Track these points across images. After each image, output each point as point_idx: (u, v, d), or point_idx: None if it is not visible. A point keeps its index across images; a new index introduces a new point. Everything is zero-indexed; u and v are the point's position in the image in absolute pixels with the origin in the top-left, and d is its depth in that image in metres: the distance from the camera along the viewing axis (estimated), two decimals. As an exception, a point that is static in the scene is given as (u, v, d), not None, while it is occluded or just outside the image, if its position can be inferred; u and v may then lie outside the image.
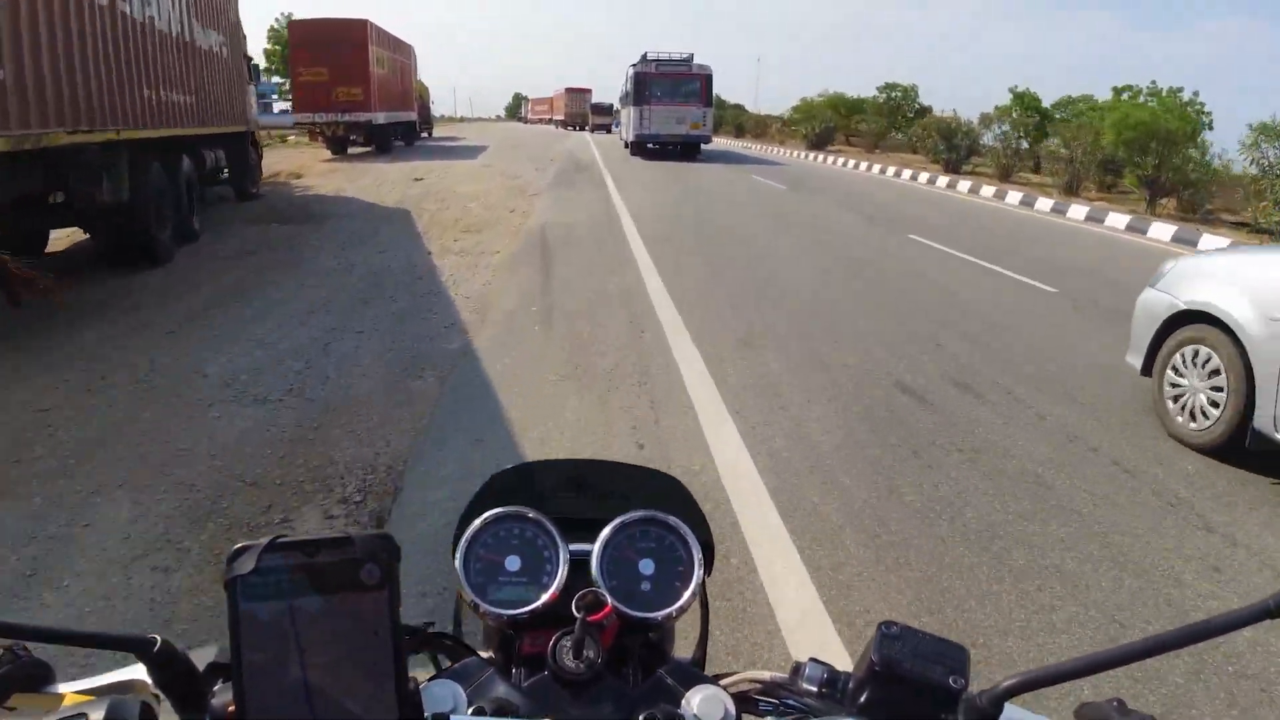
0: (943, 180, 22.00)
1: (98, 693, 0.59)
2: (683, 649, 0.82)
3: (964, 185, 20.59)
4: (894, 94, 42.44)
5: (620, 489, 0.87)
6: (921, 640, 0.61)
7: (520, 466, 0.89)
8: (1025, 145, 26.12)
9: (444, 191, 14.80)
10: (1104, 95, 30.81)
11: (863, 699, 0.61)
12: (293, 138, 29.58)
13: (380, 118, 23.91)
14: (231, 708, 0.49)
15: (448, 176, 17.61)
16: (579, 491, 0.87)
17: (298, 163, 20.36)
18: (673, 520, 0.79)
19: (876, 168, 25.85)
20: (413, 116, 30.61)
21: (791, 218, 13.11)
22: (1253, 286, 3.98)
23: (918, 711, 0.59)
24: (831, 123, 37.63)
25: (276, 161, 19.95)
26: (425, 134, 37.78)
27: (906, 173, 23.81)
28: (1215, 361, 4.09)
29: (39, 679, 0.59)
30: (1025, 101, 29.33)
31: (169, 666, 0.55)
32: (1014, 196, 18.16)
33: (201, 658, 0.58)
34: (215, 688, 0.57)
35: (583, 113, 66.97)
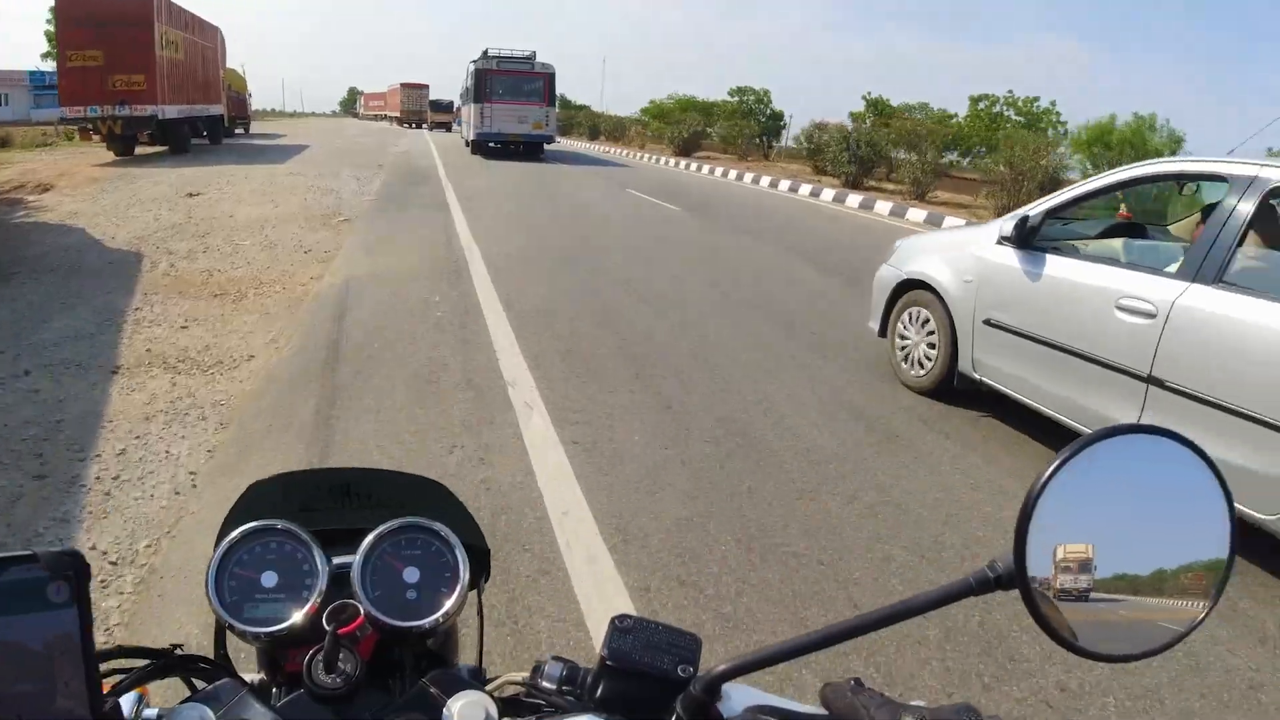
0: (853, 199, 17.81)
1: None
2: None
3: (883, 206, 16.79)
4: (746, 97, 41.48)
5: (386, 497, 0.85)
6: (654, 631, 0.64)
7: (280, 476, 0.86)
8: (938, 160, 22.09)
9: (214, 219, 10.40)
10: (937, 104, 31.16)
11: (600, 693, 0.63)
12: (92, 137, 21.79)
13: (170, 111, 19.91)
14: None
15: (233, 191, 13.40)
16: (345, 501, 0.85)
17: (60, 169, 16.18)
18: (437, 526, 0.78)
19: (765, 180, 22.25)
20: (219, 110, 26.00)
21: (720, 264, 9.04)
22: (950, 256, 4.74)
23: (651, 700, 0.61)
24: (700, 126, 35.32)
25: (38, 168, 16.37)
26: (241, 130, 34.08)
27: (806, 187, 20.18)
28: (930, 320, 4.79)
29: None
30: (879, 108, 29.47)
31: None
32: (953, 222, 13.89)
33: None
34: None
35: (420, 110, 64.24)
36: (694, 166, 28.03)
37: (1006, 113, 26.75)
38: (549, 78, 25.97)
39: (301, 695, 0.65)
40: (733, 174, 24.77)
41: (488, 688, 0.68)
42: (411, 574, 0.75)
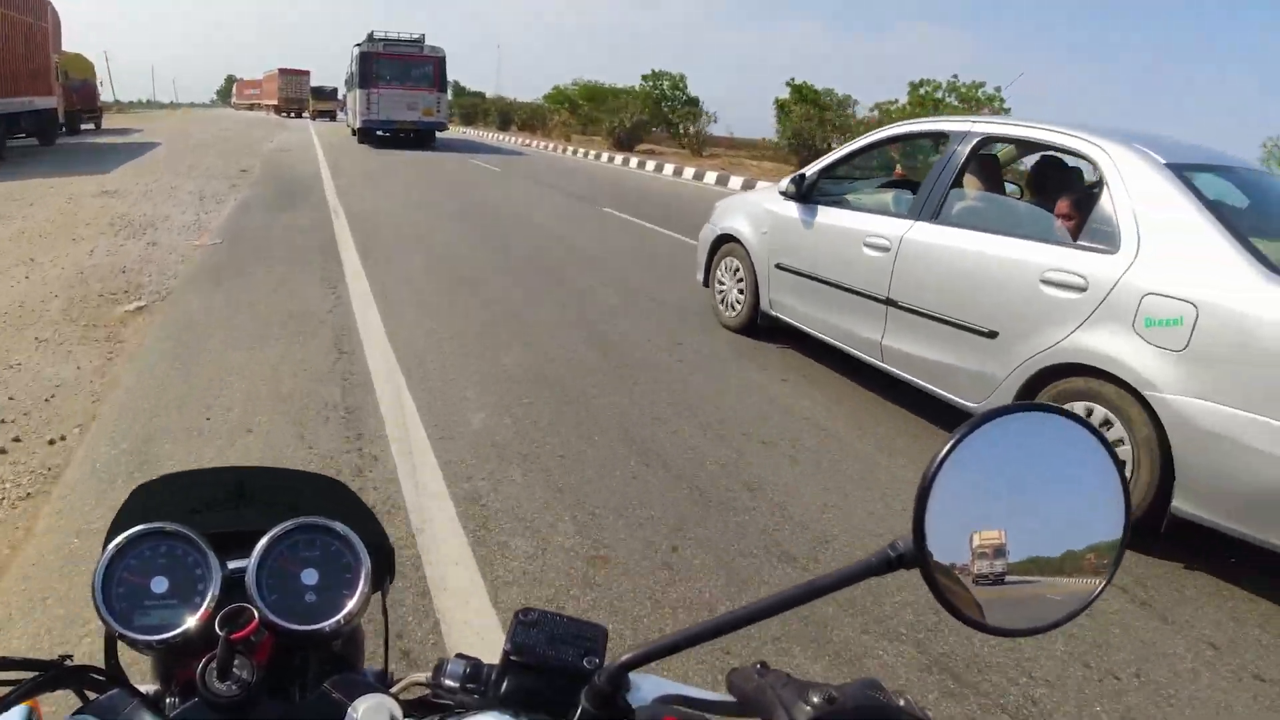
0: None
1: None
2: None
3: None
4: (660, 83, 37.32)
5: (282, 497, 0.83)
6: (558, 624, 0.63)
7: (169, 477, 0.84)
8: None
9: None
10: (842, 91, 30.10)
11: (504, 688, 0.62)
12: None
13: None
14: None
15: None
16: (239, 502, 0.82)
17: None
18: (336, 525, 0.76)
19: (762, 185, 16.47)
20: (48, 103, 20.91)
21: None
22: (752, 212, 5.49)
23: (557, 694, 0.60)
24: (642, 115, 30.97)
25: None
26: (91, 125, 29.78)
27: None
28: (739, 268, 5.51)
29: None
30: (804, 94, 26.73)
31: None
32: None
33: None
34: None
35: (300, 98, 60.09)
36: (647, 165, 22.38)
37: (949, 99, 27.18)
38: (439, 61, 24.91)
39: (197, 704, 0.64)
40: (711, 177, 19.00)
41: (392, 690, 0.67)
42: (310, 575, 0.74)
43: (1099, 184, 3.47)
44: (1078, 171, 4.27)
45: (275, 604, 0.71)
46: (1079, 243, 3.45)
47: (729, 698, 0.59)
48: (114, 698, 0.65)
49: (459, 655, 0.67)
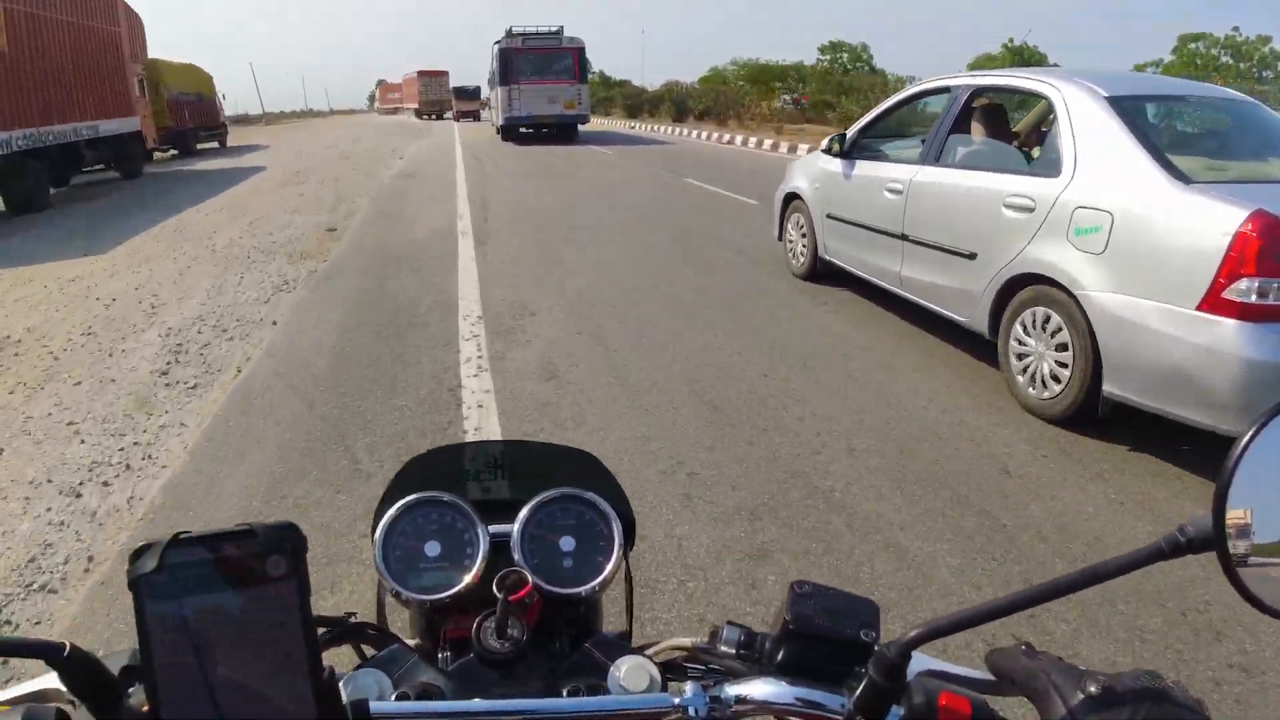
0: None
1: (11, 704, 0.58)
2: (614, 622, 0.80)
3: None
4: (839, 55, 34.98)
5: (539, 468, 0.87)
6: (832, 597, 0.64)
7: (436, 450, 0.90)
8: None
9: None
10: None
11: (779, 657, 0.64)
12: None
13: None
14: (146, 708, 0.49)
15: None
16: (498, 473, 0.88)
17: None
18: (590, 496, 0.81)
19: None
20: (124, 126, 16.94)
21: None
22: (809, 170, 6.23)
23: (831, 666, 0.62)
24: (822, 92, 27.78)
25: None
26: (215, 144, 28.20)
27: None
28: (802, 221, 6.25)
29: None
30: (1025, 55, 24.31)
31: (80, 672, 0.54)
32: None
33: (114, 662, 0.58)
34: (130, 690, 0.57)
35: (441, 99, 59.56)
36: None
37: (1223, 56, 23.22)
38: (578, 53, 24.33)
39: (471, 659, 0.67)
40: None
41: (649, 652, 0.70)
42: (567, 542, 0.78)
43: (1054, 119, 4.00)
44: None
45: (537, 568, 0.75)
46: (1032, 169, 4.00)
47: (990, 677, 0.59)
48: (394, 652, 0.68)
49: (731, 623, 0.68)
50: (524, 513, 0.79)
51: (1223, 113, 4.17)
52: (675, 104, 36.21)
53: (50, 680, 0.59)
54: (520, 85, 23.58)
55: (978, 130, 4.78)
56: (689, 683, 0.63)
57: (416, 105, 62.27)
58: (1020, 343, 3.98)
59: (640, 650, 0.70)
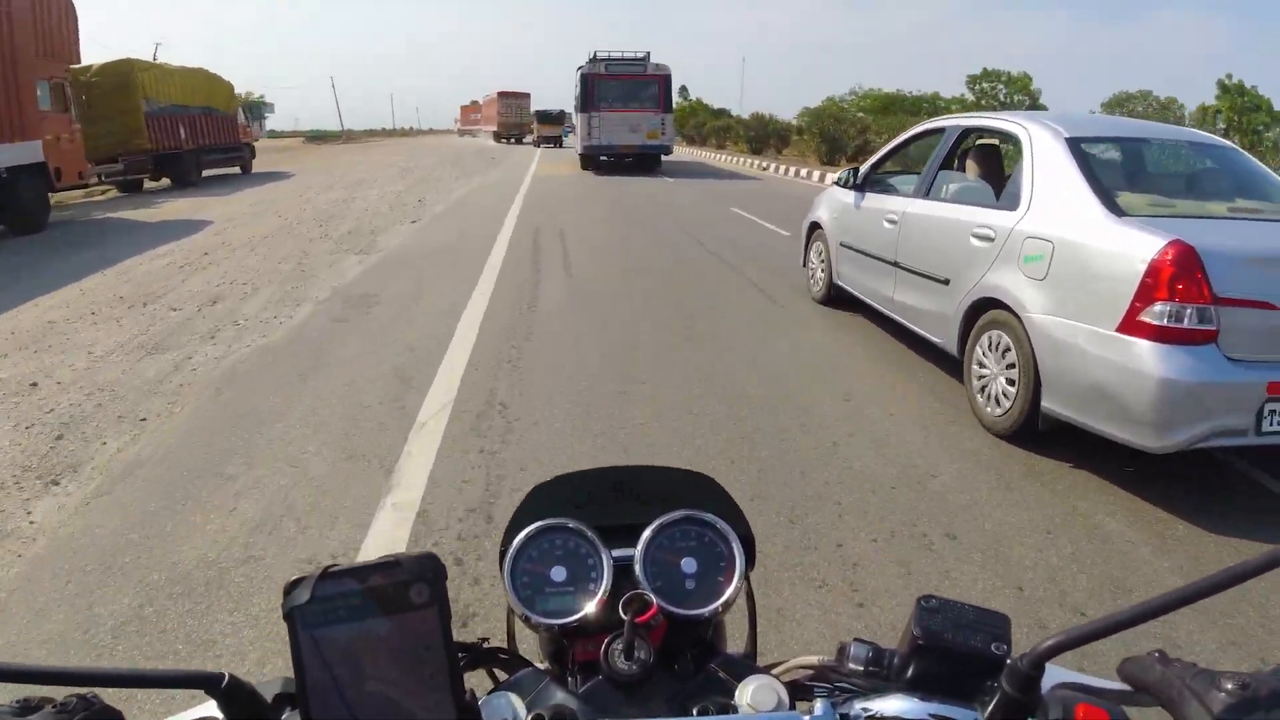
0: None
1: None
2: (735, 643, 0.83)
3: None
4: (992, 84, 31.85)
5: (657, 492, 0.88)
6: (961, 611, 0.64)
7: (559, 478, 0.91)
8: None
9: None
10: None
11: (910, 673, 0.63)
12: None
13: None
14: None
15: None
16: (617, 497, 0.89)
17: None
18: (710, 517, 0.81)
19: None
20: (19, 156, 11.59)
21: None
22: (830, 201, 6.64)
23: (963, 680, 0.61)
24: None
25: None
26: (237, 168, 24.12)
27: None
28: (822, 249, 6.62)
29: None
30: (1245, 97, 21.91)
31: (237, 700, 0.57)
32: None
33: (267, 690, 0.61)
34: (284, 716, 0.59)
35: (520, 122, 56.91)
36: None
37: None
38: (664, 80, 23.36)
39: (600, 682, 0.69)
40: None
41: (774, 671, 0.70)
42: (689, 564, 0.78)
43: (1020, 156, 4.31)
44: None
45: (659, 590, 0.76)
46: (998, 203, 4.31)
47: (1125, 687, 0.58)
48: (526, 675, 0.72)
49: (858, 640, 0.68)
50: (646, 535, 0.79)
51: (1195, 155, 4.39)
52: (826, 139, 28.96)
53: (209, 709, 0.61)
54: (601, 112, 22.71)
55: (972, 168, 5.09)
56: (818, 700, 0.64)
57: (496, 127, 59.21)
58: (980, 363, 4.26)
59: (766, 670, 0.70)
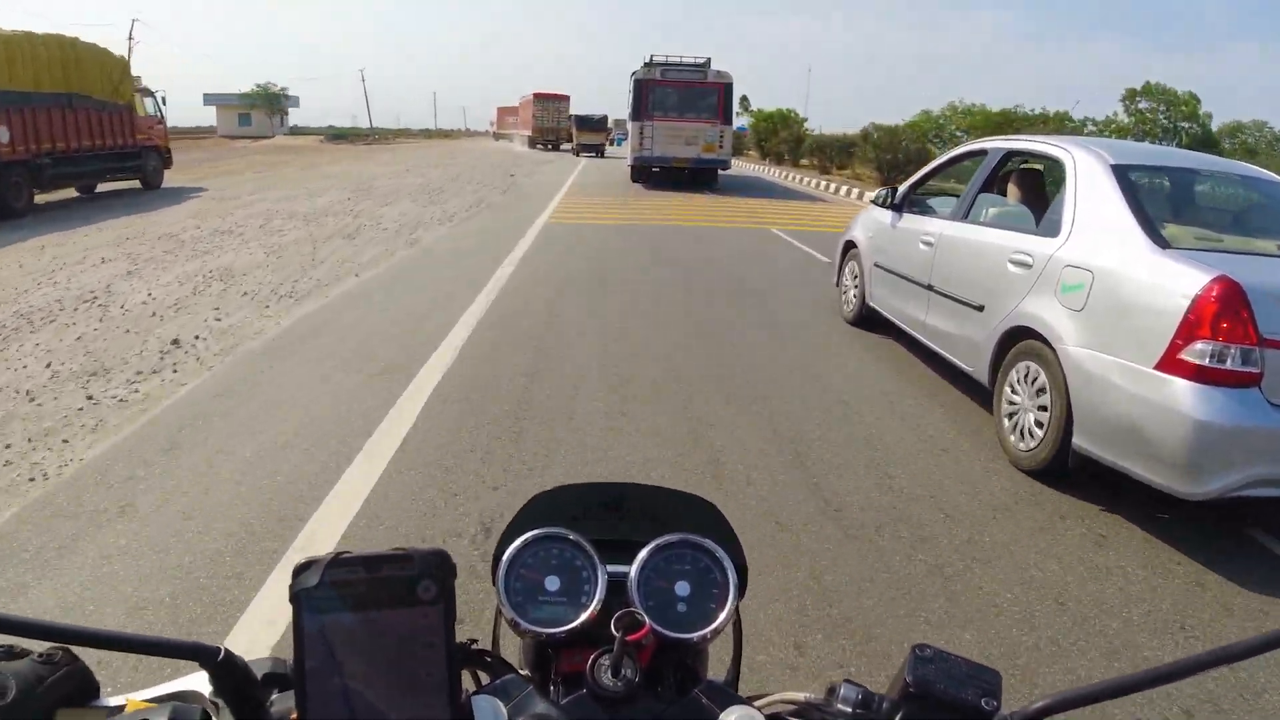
0: None
1: (158, 701, 0.60)
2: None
3: None
4: (1154, 102, 27.27)
5: (657, 513, 0.88)
6: (954, 663, 0.64)
7: (560, 489, 0.91)
8: None
9: None
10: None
11: (898, 719, 0.63)
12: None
13: None
14: (294, 715, 0.51)
15: None
16: (616, 513, 0.88)
17: None
18: (708, 544, 0.80)
19: None
20: None
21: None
22: (866, 220, 6.50)
23: None
24: None
25: None
26: (136, 181, 17.80)
27: None
28: (856, 269, 6.49)
29: (86, 691, 0.60)
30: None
31: (230, 675, 0.57)
32: None
33: (258, 669, 0.61)
34: (273, 697, 0.59)
35: (557, 127, 52.19)
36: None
37: None
38: (725, 88, 21.34)
39: (583, 696, 0.68)
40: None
41: (758, 704, 0.70)
42: (682, 588, 0.78)
43: (1063, 182, 4.16)
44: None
45: (651, 610, 0.75)
46: (1038, 230, 4.16)
47: None
48: (509, 682, 0.71)
49: (849, 681, 0.68)
50: (643, 555, 0.79)
51: (1243, 189, 4.20)
52: (905, 155, 25.83)
53: (195, 681, 0.62)
54: (654, 121, 20.76)
55: (1013, 193, 4.94)
56: None
57: (530, 132, 53.83)
58: (1012, 394, 4.11)
59: (749, 701, 0.70)
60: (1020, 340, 4.09)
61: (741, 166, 34.74)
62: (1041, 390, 3.86)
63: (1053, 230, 4.01)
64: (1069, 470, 3.73)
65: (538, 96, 53.08)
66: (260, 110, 73.95)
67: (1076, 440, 3.64)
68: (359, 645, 0.52)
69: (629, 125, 22.58)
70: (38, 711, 0.55)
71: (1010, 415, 4.10)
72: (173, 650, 0.56)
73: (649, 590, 0.77)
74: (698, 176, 21.97)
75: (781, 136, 36.59)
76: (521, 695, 0.69)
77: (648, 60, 21.43)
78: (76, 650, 0.58)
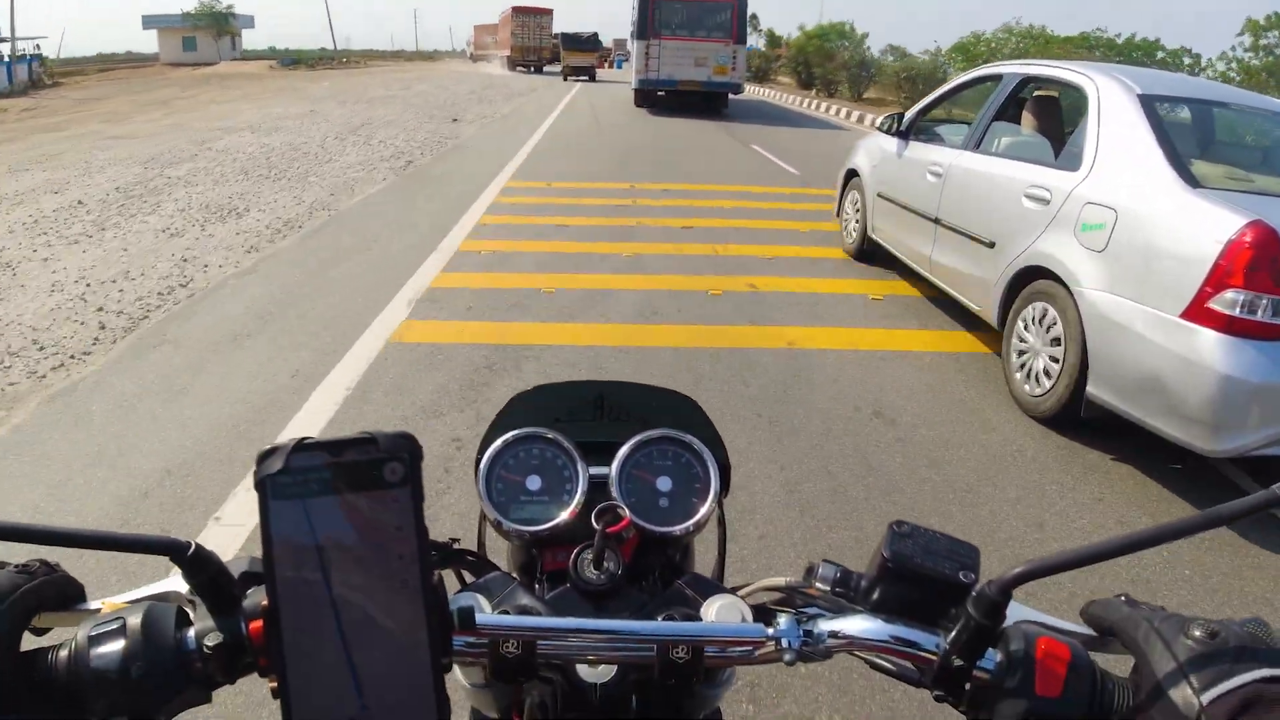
0: None
1: (135, 603, 0.60)
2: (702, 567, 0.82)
3: None
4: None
5: (638, 409, 0.88)
6: (932, 538, 0.64)
7: (540, 388, 0.91)
8: None
9: None
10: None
11: (875, 595, 0.63)
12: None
13: None
14: (265, 603, 0.51)
15: None
16: (597, 411, 0.88)
17: None
18: (689, 439, 0.81)
19: None
20: None
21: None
22: (870, 148, 6.20)
23: (928, 606, 0.62)
24: None
25: None
26: None
27: None
28: (858, 199, 6.22)
29: (68, 595, 0.60)
30: None
31: (202, 570, 0.57)
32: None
33: (235, 567, 0.61)
34: (249, 592, 0.59)
35: (539, 46, 47.30)
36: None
37: None
38: (738, 4, 19.68)
39: (567, 589, 0.69)
40: None
41: (741, 592, 0.71)
42: (664, 483, 0.79)
43: (1085, 111, 3.89)
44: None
45: (633, 506, 0.75)
46: (1057, 162, 3.91)
47: (1087, 629, 0.59)
48: (493, 579, 0.71)
49: (826, 560, 0.67)
50: (623, 451, 0.79)
51: (1277, 126, 3.94)
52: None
53: (173, 583, 0.62)
54: (661, 40, 19.17)
55: (1028, 121, 4.67)
56: (783, 615, 0.64)
57: (509, 52, 48.26)
58: (1021, 337, 3.94)
59: (733, 590, 0.71)
60: (1034, 280, 3.89)
61: (766, 95, 30.94)
62: (1055, 335, 3.69)
63: (1073, 164, 3.77)
64: (1082, 419, 3.59)
65: (516, 10, 47.77)
66: (207, 32, 63.69)
67: (1091, 389, 3.48)
68: (326, 529, 0.51)
69: (632, 45, 21.22)
70: (18, 617, 0.54)
71: (1020, 359, 3.94)
72: (140, 546, 0.55)
73: (631, 486, 0.78)
74: (707, 101, 20.38)
75: (839, 60, 29.51)
76: (506, 591, 0.69)
77: None
78: (56, 558, 0.59)
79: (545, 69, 46.63)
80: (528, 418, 0.84)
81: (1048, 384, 3.70)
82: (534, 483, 0.78)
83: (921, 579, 0.62)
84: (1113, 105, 3.71)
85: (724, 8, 19.40)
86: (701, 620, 0.65)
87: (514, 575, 0.74)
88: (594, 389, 0.91)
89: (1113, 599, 0.57)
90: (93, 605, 0.61)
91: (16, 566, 0.57)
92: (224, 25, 64.76)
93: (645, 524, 0.75)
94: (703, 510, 0.77)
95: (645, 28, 19.21)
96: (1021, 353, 3.93)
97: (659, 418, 0.85)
